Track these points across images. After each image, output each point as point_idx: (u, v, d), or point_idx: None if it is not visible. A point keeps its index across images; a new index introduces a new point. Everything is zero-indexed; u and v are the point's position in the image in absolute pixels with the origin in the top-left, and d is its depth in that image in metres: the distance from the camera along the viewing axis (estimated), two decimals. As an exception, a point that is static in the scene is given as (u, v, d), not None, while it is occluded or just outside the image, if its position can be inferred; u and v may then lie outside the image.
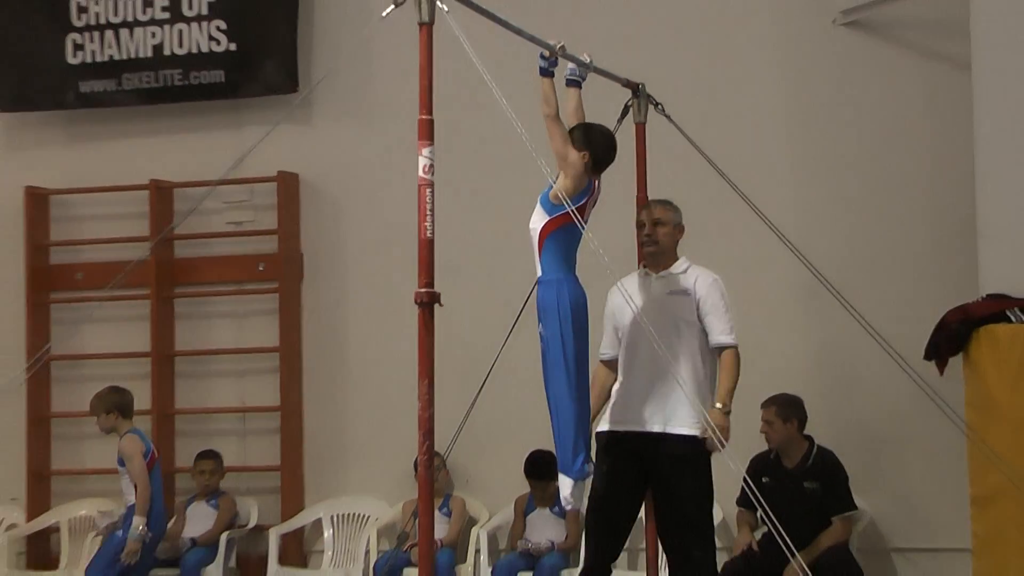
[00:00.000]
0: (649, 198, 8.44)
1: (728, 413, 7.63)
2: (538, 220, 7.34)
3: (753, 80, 10.93)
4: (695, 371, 7.75)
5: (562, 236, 7.32)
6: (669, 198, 8.26)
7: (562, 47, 7.48)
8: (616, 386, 7.97)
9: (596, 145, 7.45)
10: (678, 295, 7.87)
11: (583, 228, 7.17)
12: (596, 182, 7.51)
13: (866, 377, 9.88)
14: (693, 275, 7.94)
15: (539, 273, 7.35)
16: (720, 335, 7.85)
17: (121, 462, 10.29)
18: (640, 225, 7.98)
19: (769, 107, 10.88)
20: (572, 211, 7.06)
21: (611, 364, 8.02)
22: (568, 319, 7.28)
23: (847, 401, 10.36)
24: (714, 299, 7.89)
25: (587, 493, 7.51)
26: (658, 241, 7.93)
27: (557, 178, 7.28)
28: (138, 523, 10.20)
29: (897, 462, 10.34)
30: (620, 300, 7.75)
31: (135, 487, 10.22)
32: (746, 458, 9.61)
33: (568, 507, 7.67)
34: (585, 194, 7.40)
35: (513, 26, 7.42)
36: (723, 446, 7.34)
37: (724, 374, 7.78)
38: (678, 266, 7.97)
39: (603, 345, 8.03)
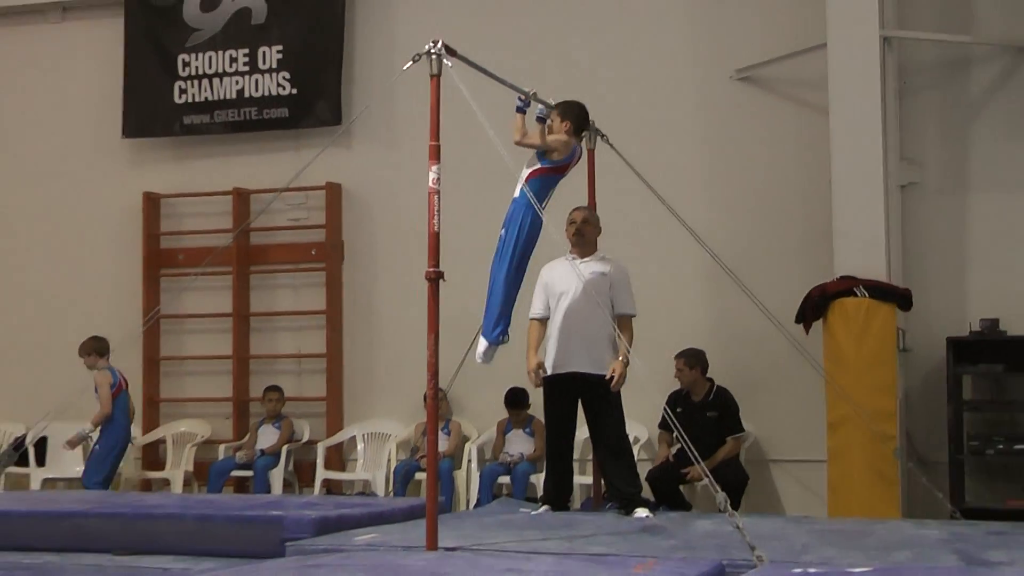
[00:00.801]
0: (597, 206, 8.42)
1: (627, 364, 7.56)
2: (532, 163, 7.47)
3: (673, 117, 10.87)
4: (607, 330, 7.69)
5: (543, 181, 7.44)
6: (609, 206, 8.27)
7: (534, 93, 7.50)
8: (550, 341, 7.90)
9: (575, 115, 7.65)
10: (596, 275, 7.85)
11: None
12: (578, 148, 7.62)
13: (753, 335, 9.81)
14: (608, 262, 7.98)
15: (516, 195, 7.42)
16: (622, 306, 7.87)
17: (96, 389, 10.20)
18: (571, 223, 8.00)
19: (684, 139, 10.82)
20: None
21: (543, 322, 7.97)
22: (525, 230, 7.41)
23: (739, 352, 10.29)
24: (622, 281, 7.93)
25: (493, 354, 7.57)
26: (584, 235, 7.96)
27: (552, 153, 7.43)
28: (88, 428, 10.18)
29: (775, 397, 10.28)
30: (554, 275, 7.91)
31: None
32: (665, 394, 9.57)
33: (480, 361, 7.64)
34: (570, 157, 7.57)
35: (498, 77, 7.43)
36: (623, 383, 7.58)
37: (625, 335, 7.71)
38: (597, 255, 7.99)
39: (536, 307, 8.01)
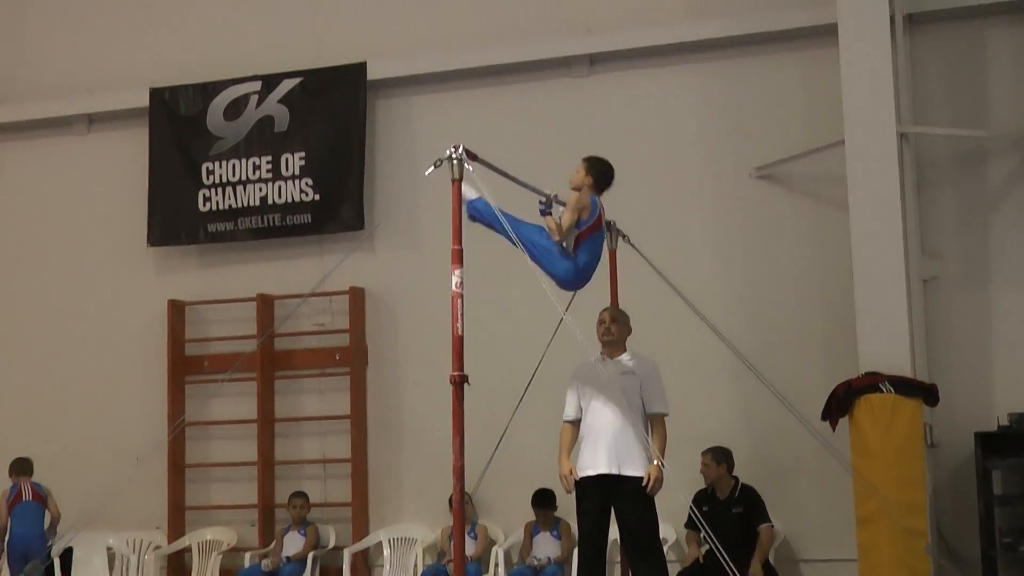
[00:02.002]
0: (619, 304, 8.47)
1: (661, 467, 7.56)
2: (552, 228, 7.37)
3: (694, 216, 10.98)
4: (638, 431, 7.70)
5: (589, 243, 7.50)
6: (632, 304, 8.31)
7: (555, 195, 7.55)
8: (582, 443, 7.91)
9: (598, 172, 7.67)
10: (627, 375, 7.87)
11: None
12: (598, 201, 7.55)
13: (779, 431, 9.81)
14: (638, 361, 7.98)
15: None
16: (655, 405, 7.87)
17: None
18: (601, 322, 8.02)
19: (705, 235, 10.91)
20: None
21: (575, 424, 7.98)
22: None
23: (765, 449, 10.31)
24: (653, 379, 7.94)
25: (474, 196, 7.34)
26: (614, 334, 7.98)
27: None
28: None
29: (802, 494, 10.27)
30: (584, 376, 7.88)
31: None
32: (690, 492, 9.54)
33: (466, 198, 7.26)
34: (595, 211, 7.50)
35: (519, 180, 7.50)
36: (660, 487, 7.54)
37: (656, 436, 7.76)
38: (627, 355, 8.02)
39: (568, 410, 8.01)
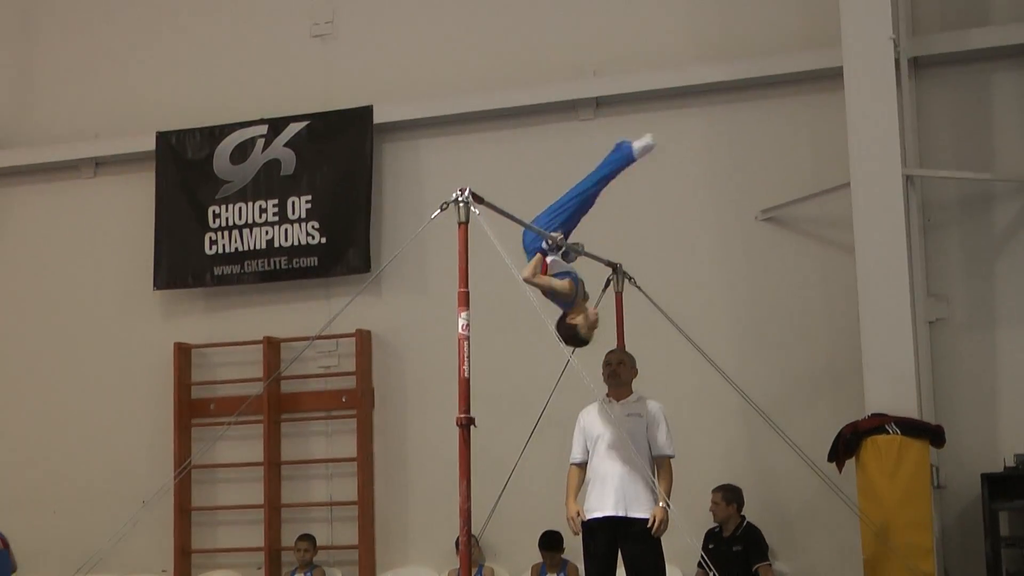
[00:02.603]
0: (626, 347, 8.53)
1: (667, 509, 7.61)
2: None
3: (700, 258, 11.04)
4: (645, 473, 7.76)
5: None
6: (638, 346, 8.36)
7: (562, 237, 7.62)
8: (588, 485, 7.96)
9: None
10: (633, 417, 7.91)
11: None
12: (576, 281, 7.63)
13: (786, 473, 9.87)
14: (644, 403, 8.02)
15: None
16: (662, 447, 7.90)
17: None
18: (607, 364, 8.07)
19: (712, 278, 10.96)
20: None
21: (582, 466, 8.02)
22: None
23: (772, 491, 10.33)
24: (659, 421, 7.96)
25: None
26: (620, 376, 8.02)
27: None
28: None
29: (810, 535, 10.28)
30: (590, 418, 7.92)
31: None
32: (697, 533, 9.58)
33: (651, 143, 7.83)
34: (574, 297, 7.59)
35: (526, 223, 7.58)
36: (665, 529, 7.59)
37: (663, 479, 7.82)
38: (633, 396, 8.06)
39: (575, 452, 8.06)
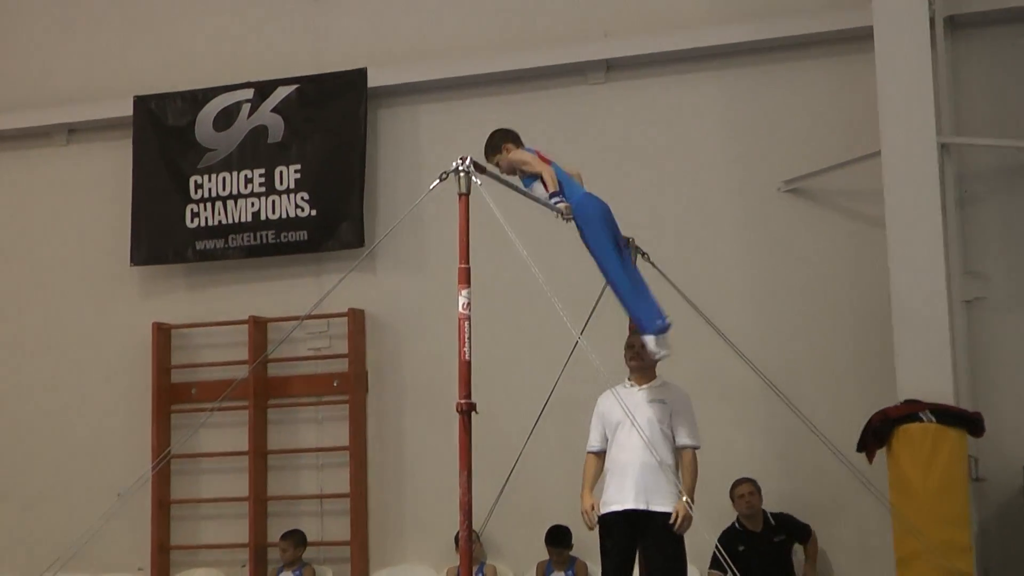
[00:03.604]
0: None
1: (691, 504, 7.55)
2: (543, 185, 7.67)
3: (718, 233, 10.99)
4: (667, 463, 7.71)
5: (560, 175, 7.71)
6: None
7: (568, 207, 7.57)
8: (606, 476, 7.91)
9: (509, 135, 8.00)
10: (657, 403, 7.86)
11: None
12: (534, 148, 7.90)
13: (811, 464, 9.83)
14: (668, 389, 7.97)
15: (572, 215, 7.57)
16: (685, 437, 7.85)
17: None
18: (630, 346, 8.01)
19: (731, 254, 10.93)
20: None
21: (599, 455, 7.98)
22: (602, 224, 7.60)
23: (797, 483, 10.31)
24: (684, 409, 7.92)
25: (668, 344, 7.56)
26: (643, 359, 7.94)
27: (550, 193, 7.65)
28: None
29: (837, 532, 10.25)
30: (609, 403, 7.83)
31: None
32: (714, 529, 9.50)
33: (656, 357, 7.62)
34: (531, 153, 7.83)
35: (531, 194, 7.53)
36: (688, 526, 7.53)
37: (686, 472, 7.78)
38: (657, 381, 8.01)
39: (593, 440, 8.01)
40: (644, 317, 7.60)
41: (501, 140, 7.97)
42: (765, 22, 10.94)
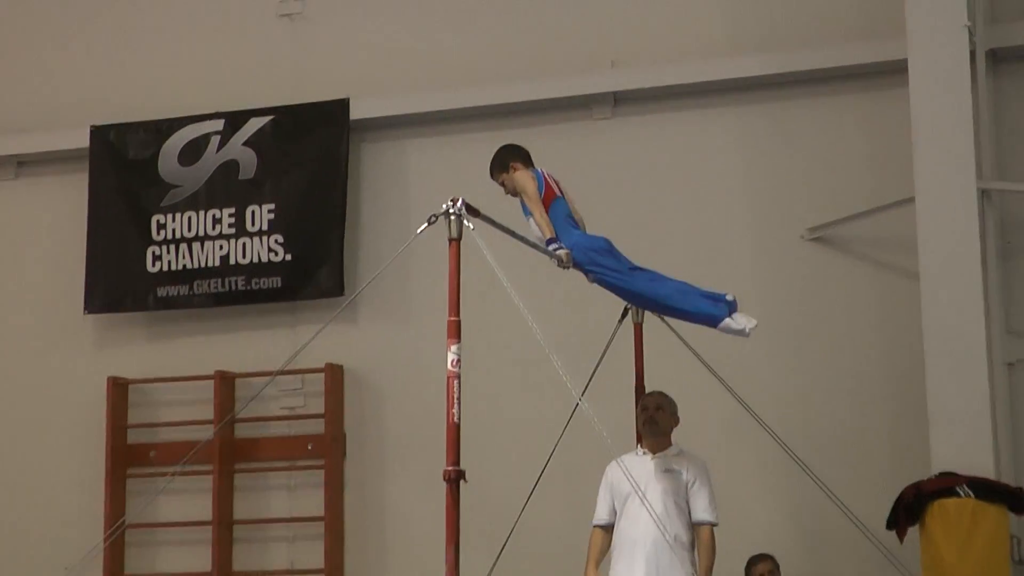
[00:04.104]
0: (646, 388, 8.52)
1: None
2: (532, 223, 7.82)
3: (734, 286, 10.71)
4: (682, 540, 7.72)
5: (552, 215, 7.78)
6: (661, 387, 8.34)
7: (568, 255, 7.61)
8: (614, 552, 7.93)
9: (518, 154, 8.07)
10: (672, 473, 7.89)
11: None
12: (542, 171, 7.99)
13: (836, 542, 9.84)
14: (685, 458, 8.00)
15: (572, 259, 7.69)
16: (703, 512, 7.88)
17: None
18: (643, 409, 8.06)
19: (747, 308, 10.79)
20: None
21: (607, 529, 8.00)
22: (604, 256, 7.74)
23: (820, 562, 10.29)
24: (702, 480, 7.93)
25: (748, 317, 7.77)
26: (658, 423, 8.00)
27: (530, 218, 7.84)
28: None
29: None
30: (619, 474, 7.80)
31: None
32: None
33: (749, 330, 7.81)
34: (540, 183, 7.90)
35: (529, 241, 7.59)
36: None
37: (703, 551, 7.81)
38: (673, 449, 8.04)
39: (600, 512, 8.04)
40: (710, 308, 7.76)
41: (509, 157, 8.04)
42: (788, 53, 11.00)
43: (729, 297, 7.70)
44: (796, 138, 11.08)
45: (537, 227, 7.75)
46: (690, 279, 10.73)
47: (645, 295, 7.77)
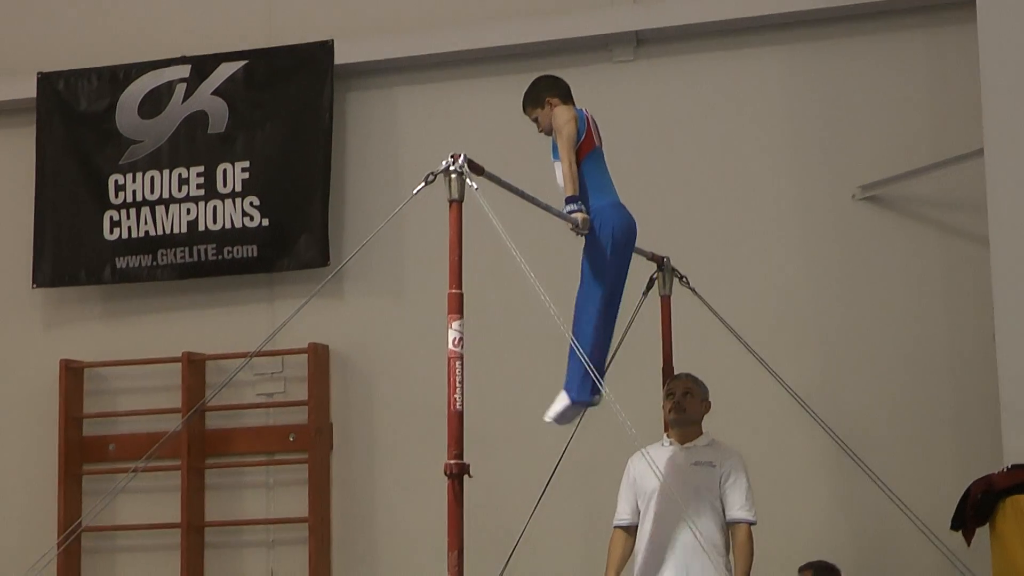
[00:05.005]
0: (675, 370, 8.50)
1: None
2: (559, 170, 7.73)
3: (775, 253, 11.00)
4: (714, 542, 7.73)
5: (587, 167, 7.73)
6: (694, 370, 8.32)
7: (586, 220, 7.58)
8: (639, 556, 7.95)
9: (557, 87, 8.02)
10: (703, 467, 7.91)
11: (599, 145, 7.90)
12: (585, 111, 7.94)
13: (895, 544, 9.85)
14: (718, 449, 8.02)
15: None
16: (739, 510, 7.90)
17: None
18: (669, 394, 8.06)
19: (791, 279, 10.94)
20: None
21: (629, 530, 8.02)
22: (608, 246, 7.63)
23: (878, 568, 10.29)
24: (737, 474, 7.94)
25: (576, 415, 7.71)
26: (686, 410, 8.01)
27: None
28: None
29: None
30: (643, 467, 7.84)
31: None
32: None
33: (550, 420, 7.69)
34: (583, 126, 7.84)
35: (541, 203, 7.55)
36: None
37: (739, 553, 7.85)
38: (703, 439, 8.05)
39: (622, 511, 8.06)
40: (577, 379, 7.63)
41: (546, 91, 7.99)
42: (837, -18, 11.00)
43: (591, 399, 7.64)
44: (845, 82, 11.05)
45: (568, 169, 7.68)
46: (723, 246, 10.83)
47: (579, 312, 7.72)
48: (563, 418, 7.70)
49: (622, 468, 8.14)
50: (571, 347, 7.57)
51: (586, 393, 7.60)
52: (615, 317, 7.80)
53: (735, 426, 9.72)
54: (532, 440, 9.93)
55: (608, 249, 7.62)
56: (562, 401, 7.66)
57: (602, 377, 7.53)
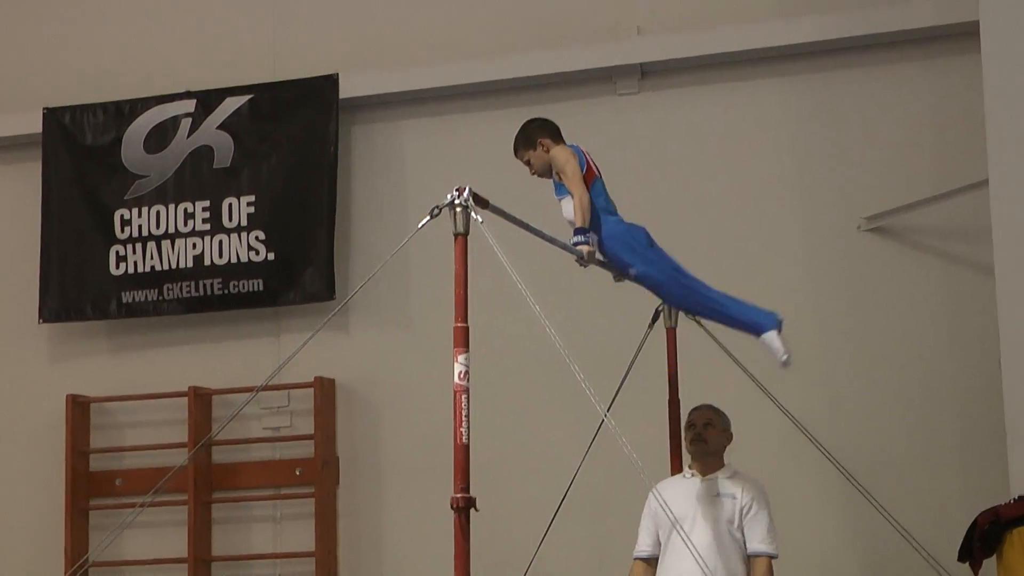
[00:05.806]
0: (681, 402, 8.51)
1: None
2: (568, 205, 7.78)
3: (780, 284, 11.00)
4: (735, 575, 7.72)
5: (593, 195, 7.82)
6: (702, 399, 8.32)
7: (591, 253, 7.61)
8: None
9: (547, 128, 8.06)
10: (725, 499, 7.91)
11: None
12: (579, 146, 8.01)
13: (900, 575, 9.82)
14: (740, 480, 8.00)
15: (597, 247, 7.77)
16: (759, 542, 7.87)
17: None
18: (690, 425, 8.08)
19: (796, 311, 10.86)
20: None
21: (650, 562, 8.00)
22: (644, 240, 7.84)
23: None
24: (759, 506, 7.93)
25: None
26: (707, 441, 8.02)
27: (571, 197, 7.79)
28: None
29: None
30: (665, 498, 7.79)
31: None
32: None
33: (784, 361, 7.77)
34: (581, 159, 7.91)
35: (546, 235, 7.56)
36: None
37: None
38: (726, 470, 8.05)
39: (642, 543, 8.05)
40: (757, 316, 7.83)
41: (537, 133, 8.02)
42: (841, 16, 10.99)
43: (780, 315, 7.68)
44: (849, 113, 11.08)
45: (571, 210, 7.73)
46: (728, 277, 10.74)
47: (690, 294, 7.76)
48: (787, 344, 7.78)
49: (628, 501, 8.13)
50: (723, 306, 7.88)
51: (769, 316, 7.82)
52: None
53: (741, 458, 9.69)
54: (539, 473, 9.97)
55: (645, 242, 7.80)
56: (773, 337, 7.77)
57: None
